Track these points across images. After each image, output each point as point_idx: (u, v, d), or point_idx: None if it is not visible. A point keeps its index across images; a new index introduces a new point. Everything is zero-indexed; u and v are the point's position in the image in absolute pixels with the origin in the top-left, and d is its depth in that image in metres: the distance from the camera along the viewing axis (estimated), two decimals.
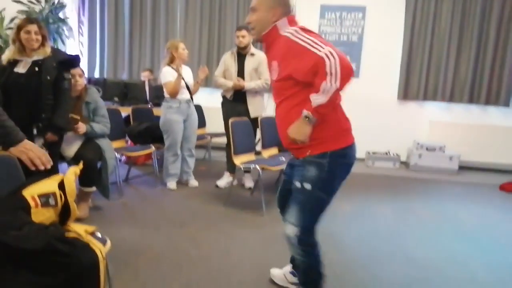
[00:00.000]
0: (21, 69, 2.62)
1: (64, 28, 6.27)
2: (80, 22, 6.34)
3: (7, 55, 2.66)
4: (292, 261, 2.20)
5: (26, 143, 1.61)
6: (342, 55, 1.67)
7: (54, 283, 1.41)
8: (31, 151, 1.57)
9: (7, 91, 2.56)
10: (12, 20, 6.09)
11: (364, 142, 5.38)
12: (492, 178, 5.23)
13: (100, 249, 1.60)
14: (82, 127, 3.13)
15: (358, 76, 5.89)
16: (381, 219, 3.53)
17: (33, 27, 2.63)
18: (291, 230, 1.88)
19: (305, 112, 1.71)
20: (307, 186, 1.82)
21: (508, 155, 5.54)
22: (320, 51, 1.66)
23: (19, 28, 2.64)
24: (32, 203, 1.59)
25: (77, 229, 1.61)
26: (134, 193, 3.97)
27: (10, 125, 1.63)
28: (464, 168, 5.61)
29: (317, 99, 1.68)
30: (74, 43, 6.41)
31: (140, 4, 6.20)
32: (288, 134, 1.78)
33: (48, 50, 2.71)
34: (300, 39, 1.73)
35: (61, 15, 6.28)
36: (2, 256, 1.34)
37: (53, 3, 6.15)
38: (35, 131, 2.61)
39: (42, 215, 1.61)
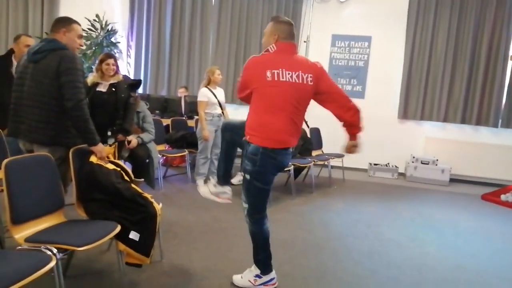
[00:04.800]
0: (102, 89, 3.64)
1: (116, 50, 7.47)
2: (128, 46, 7.52)
3: (91, 79, 3.70)
4: None
5: (100, 145, 2.59)
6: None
7: (132, 219, 2.40)
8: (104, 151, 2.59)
9: (92, 104, 3.56)
10: None
11: (367, 155, 6.26)
12: (477, 189, 5.96)
13: (157, 207, 2.59)
14: (133, 142, 3.95)
15: (364, 97, 6.76)
16: (366, 213, 4.39)
17: (111, 61, 3.65)
18: (244, 205, 2.48)
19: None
20: (247, 176, 2.38)
21: (493, 170, 6.25)
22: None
23: (101, 61, 3.66)
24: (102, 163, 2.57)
25: (146, 194, 2.61)
26: (170, 187, 4.99)
27: (93, 130, 2.57)
28: (454, 180, 6.35)
29: None
30: (123, 64, 7.59)
31: (179, 32, 7.32)
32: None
33: (120, 76, 3.74)
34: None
35: (113, 39, 7.50)
36: (107, 198, 2.36)
37: (108, 30, 7.38)
38: (109, 133, 3.58)
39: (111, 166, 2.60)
